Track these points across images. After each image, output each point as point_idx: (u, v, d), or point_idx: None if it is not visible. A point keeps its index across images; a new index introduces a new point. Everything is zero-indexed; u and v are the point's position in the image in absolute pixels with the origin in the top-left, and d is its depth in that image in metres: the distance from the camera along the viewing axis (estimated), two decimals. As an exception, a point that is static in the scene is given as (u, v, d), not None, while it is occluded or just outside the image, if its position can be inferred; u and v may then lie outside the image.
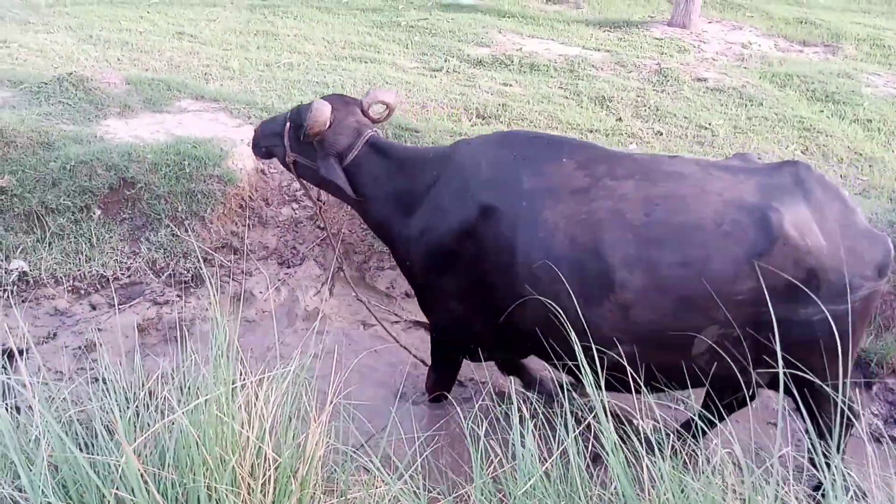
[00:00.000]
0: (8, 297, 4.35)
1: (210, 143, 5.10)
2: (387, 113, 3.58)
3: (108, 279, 4.53)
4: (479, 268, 3.06)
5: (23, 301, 4.32)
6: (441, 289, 3.27)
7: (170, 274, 4.65)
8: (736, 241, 2.65)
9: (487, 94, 7.01)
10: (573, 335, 2.44)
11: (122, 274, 4.58)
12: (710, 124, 6.57)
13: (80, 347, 4.07)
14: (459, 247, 3.08)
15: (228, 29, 8.57)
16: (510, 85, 7.37)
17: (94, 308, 4.39)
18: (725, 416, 2.92)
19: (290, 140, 3.42)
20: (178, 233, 4.74)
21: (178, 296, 4.52)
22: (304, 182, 3.63)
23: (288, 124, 3.43)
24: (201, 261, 4.71)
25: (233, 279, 4.68)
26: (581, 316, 2.62)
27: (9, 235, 4.57)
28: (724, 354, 2.67)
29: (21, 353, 3.77)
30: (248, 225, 5.11)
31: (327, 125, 3.26)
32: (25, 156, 4.81)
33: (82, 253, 4.57)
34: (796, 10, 11.03)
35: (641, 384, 2.66)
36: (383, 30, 9.04)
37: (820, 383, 2.45)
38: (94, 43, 7.62)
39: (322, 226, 4.35)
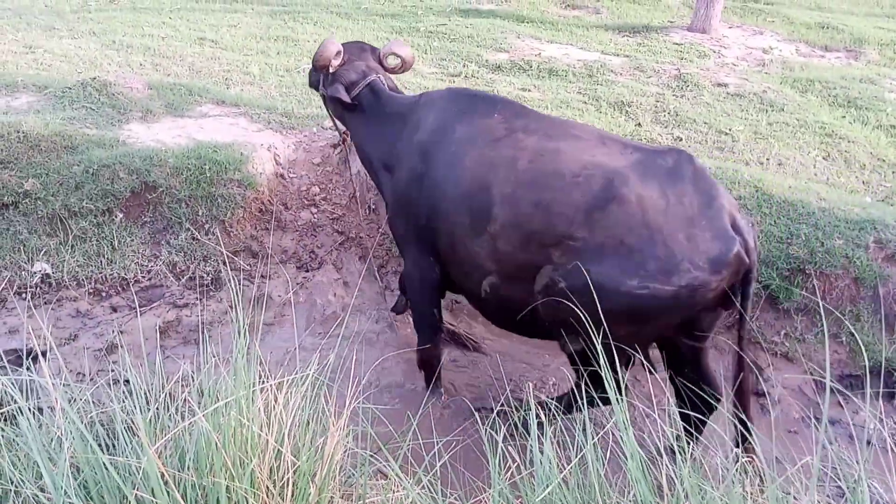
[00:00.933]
0: (31, 298, 4.41)
1: (230, 147, 5.14)
2: (402, 65, 4.04)
3: (128, 282, 4.58)
4: (423, 210, 3.45)
5: (45, 303, 4.38)
6: (409, 238, 3.65)
7: (190, 277, 4.69)
8: (580, 191, 2.91)
9: (506, 100, 7.02)
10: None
11: (143, 277, 4.63)
12: (730, 130, 6.52)
13: (100, 349, 4.12)
14: (411, 192, 3.51)
15: (249, 34, 8.64)
16: (529, 90, 7.36)
17: (114, 310, 4.44)
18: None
19: (322, 77, 3.99)
20: (199, 236, 4.78)
21: (197, 299, 4.55)
22: (332, 114, 4.23)
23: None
24: (221, 264, 4.75)
25: (252, 282, 4.71)
26: (468, 246, 3.20)
27: (32, 238, 4.63)
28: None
29: (43, 354, 3.83)
30: (268, 229, 5.15)
31: (333, 62, 3.82)
32: (49, 159, 4.88)
33: (104, 256, 4.63)
34: (818, 14, 10.92)
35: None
36: (402, 35, 9.07)
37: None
38: (117, 48, 7.72)
39: (345, 156, 4.87)
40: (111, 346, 4.12)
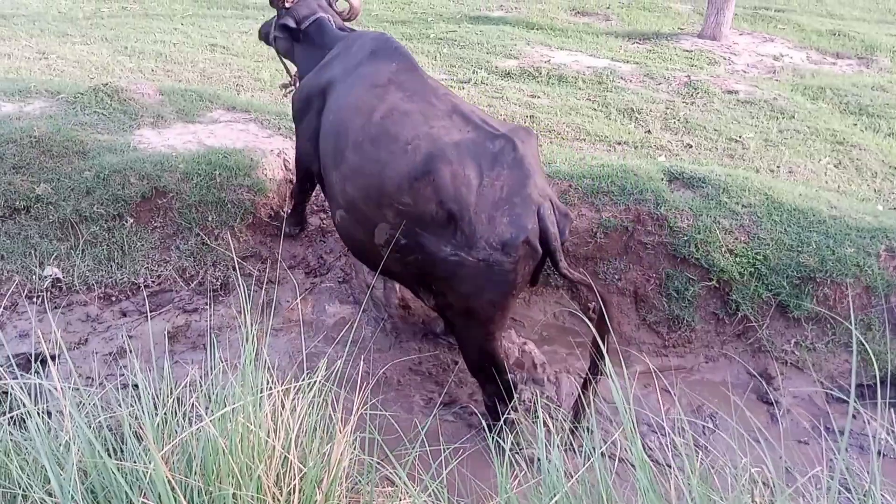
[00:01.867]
0: (41, 302, 4.44)
1: (240, 153, 5.16)
2: (350, 10, 4.52)
3: (138, 286, 4.59)
4: (318, 123, 3.84)
5: (55, 307, 4.40)
6: (301, 130, 4.14)
7: (199, 282, 4.70)
8: (406, 160, 3.17)
9: (515, 106, 7.02)
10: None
11: (153, 282, 4.65)
12: (740, 137, 6.50)
13: (110, 354, 4.13)
14: (314, 102, 3.91)
15: (260, 41, 8.66)
16: (538, 97, 7.37)
17: (124, 315, 4.45)
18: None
19: (275, 25, 4.47)
20: (208, 241, 4.79)
21: (206, 304, 4.56)
22: (281, 56, 4.68)
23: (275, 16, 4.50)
24: (230, 269, 4.76)
25: (261, 288, 4.72)
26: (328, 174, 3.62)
27: (43, 243, 4.66)
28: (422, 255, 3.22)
29: (53, 358, 3.84)
30: (277, 234, 5.16)
31: None
32: (61, 165, 4.91)
33: (114, 260, 4.65)
34: (829, 21, 10.88)
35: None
36: (412, 42, 9.10)
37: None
38: (129, 54, 7.78)
39: (288, 83, 4.96)
40: (120, 350, 4.13)
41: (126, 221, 4.76)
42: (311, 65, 4.20)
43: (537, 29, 9.94)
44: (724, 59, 9.01)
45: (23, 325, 4.26)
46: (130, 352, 3.94)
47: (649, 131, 6.61)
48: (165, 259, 4.75)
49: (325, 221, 5.28)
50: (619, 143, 6.30)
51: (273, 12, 4.55)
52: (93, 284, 4.54)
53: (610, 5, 11.30)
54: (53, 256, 4.63)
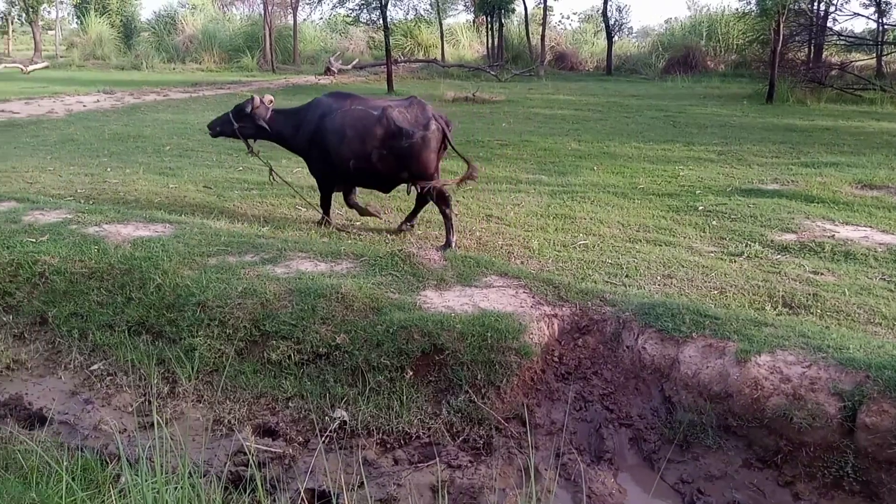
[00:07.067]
0: (329, 442, 4.92)
1: (511, 317, 5.45)
2: (271, 105, 8.24)
3: (411, 437, 4.91)
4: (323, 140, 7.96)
5: (340, 448, 4.85)
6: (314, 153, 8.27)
7: (464, 439, 4.90)
8: (375, 115, 7.55)
9: (795, 283, 6.60)
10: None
11: (423, 433, 4.94)
12: None
13: (381, 500, 4.40)
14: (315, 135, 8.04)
15: (530, 212, 9.31)
16: (821, 273, 6.87)
17: (396, 463, 4.75)
18: None
19: (234, 119, 8.15)
20: (476, 399, 5.03)
21: (469, 461, 4.71)
22: (244, 138, 8.33)
23: (230, 114, 8.21)
24: (493, 430, 4.91)
25: (521, 452, 4.77)
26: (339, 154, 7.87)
27: (337, 387, 5.24)
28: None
29: (336, 496, 4.20)
30: (538, 399, 5.25)
31: (258, 107, 7.99)
32: (358, 318, 5.58)
33: (393, 409, 5.06)
34: None
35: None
36: (679, 214, 9.12)
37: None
38: (418, 223, 8.78)
39: (250, 152, 8.59)
40: (390, 498, 4.38)
41: (406, 374, 5.20)
42: (289, 127, 8.08)
43: (817, 202, 9.43)
44: None
45: (311, 461, 4.73)
46: (400, 500, 4.17)
47: (964, 318, 5.77)
48: (436, 413, 5.05)
49: (585, 390, 5.27)
50: (925, 330, 5.57)
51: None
52: (373, 430, 4.95)
53: (904, 177, 10.42)
54: (343, 400, 5.17)
